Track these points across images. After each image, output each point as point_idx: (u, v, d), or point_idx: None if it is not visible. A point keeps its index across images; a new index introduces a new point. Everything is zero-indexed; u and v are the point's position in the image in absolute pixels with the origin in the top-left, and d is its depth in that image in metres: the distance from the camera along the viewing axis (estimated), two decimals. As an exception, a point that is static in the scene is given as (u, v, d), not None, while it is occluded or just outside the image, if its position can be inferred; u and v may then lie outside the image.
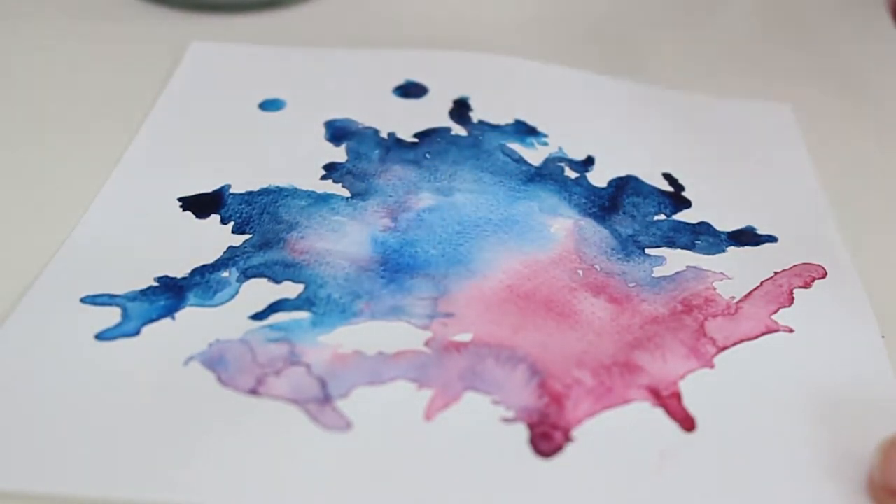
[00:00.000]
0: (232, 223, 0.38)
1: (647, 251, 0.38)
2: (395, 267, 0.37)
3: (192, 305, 0.35)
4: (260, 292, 0.35)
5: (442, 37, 0.52)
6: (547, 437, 0.31)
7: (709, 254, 0.38)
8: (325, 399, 0.32)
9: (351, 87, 0.47)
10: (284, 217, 0.39)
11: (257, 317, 0.34)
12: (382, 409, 0.32)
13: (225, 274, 0.36)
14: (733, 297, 0.36)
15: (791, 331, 0.35)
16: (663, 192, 0.42)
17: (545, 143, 0.44)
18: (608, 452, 0.31)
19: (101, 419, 0.31)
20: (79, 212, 0.39)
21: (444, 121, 0.45)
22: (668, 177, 0.42)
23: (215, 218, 0.39)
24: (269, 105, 0.46)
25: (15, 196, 0.40)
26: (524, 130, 0.45)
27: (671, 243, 0.39)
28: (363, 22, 0.53)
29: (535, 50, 0.51)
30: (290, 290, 0.35)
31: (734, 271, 0.38)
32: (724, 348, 0.35)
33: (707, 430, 0.32)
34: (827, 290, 0.37)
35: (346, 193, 0.40)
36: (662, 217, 0.40)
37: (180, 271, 0.36)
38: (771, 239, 0.40)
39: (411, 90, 0.47)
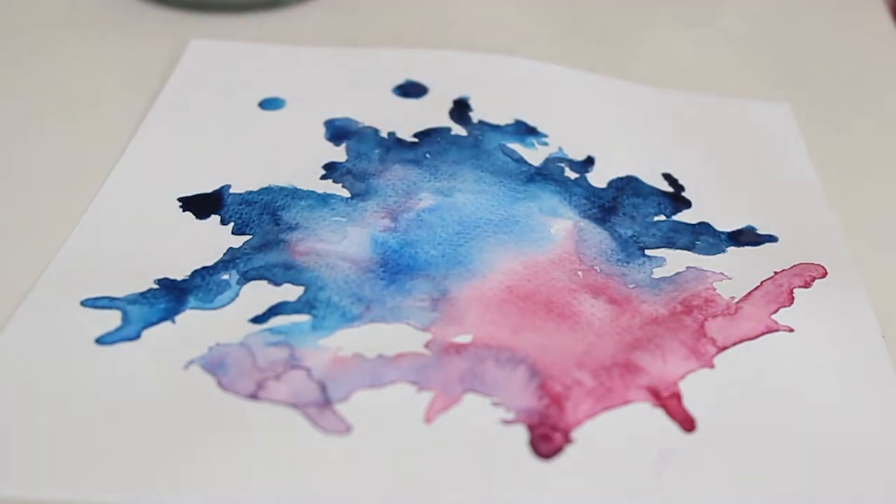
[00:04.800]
0: (232, 224, 0.38)
1: (647, 252, 0.38)
2: (394, 268, 0.37)
3: (192, 308, 0.35)
4: (260, 295, 0.35)
5: (442, 37, 0.52)
6: (547, 439, 0.31)
7: (709, 254, 0.38)
8: (325, 403, 0.32)
9: (351, 86, 0.47)
10: (284, 218, 0.39)
11: (257, 320, 0.34)
12: (382, 412, 0.32)
13: (225, 276, 0.36)
14: (733, 297, 0.36)
15: (791, 330, 0.35)
16: (663, 193, 0.42)
17: (545, 144, 0.44)
18: (608, 453, 0.31)
19: (102, 424, 0.31)
20: (78, 212, 0.39)
21: (444, 121, 0.45)
22: (668, 177, 0.42)
23: (215, 219, 0.39)
24: (269, 104, 0.46)
25: (14, 197, 0.40)
26: (524, 130, 0.45)
27: (671, 244, 0.39)
28: (363, 22, 0.53)
29: (535, 50, 0.51)
30: (291, 292, 0.35)
31: (734, 271, 0.38)
32: (725, 348, 0.35)
33: (707, 431, 0.32)
34: (827, 289, 0.37)
35: (346, 194, 0.40)
36: (662, 218, 0.40)
37: (180, 273, 0.36)
38: (771, 239, 0.40)
39: (411, 90, 0.47)
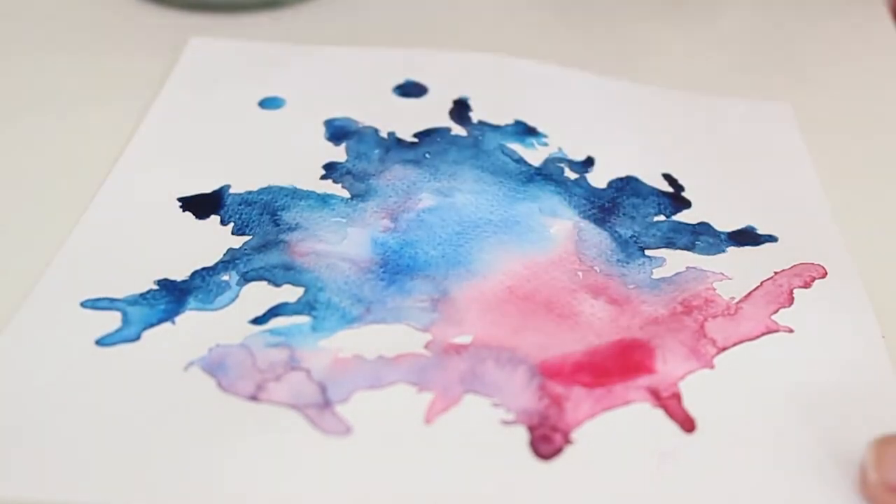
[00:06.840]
0: (232, 224, 0.38)
1: (647, 252, 0.38)
2: (394, 268, 0.37)
3: (192, 309, 0.35)
4: (260, 296, 0.35)
5: (442, 37, 0.52)
6: (547, 440, 0.31)
7: (709, 254, 0.38)
8: (325, 404, 0.32)
9: (351, 85, 0.47)
10: (284, 218, 0.39)
11: (257, 321, 0.34)
12: (382, 413, 0.32)
13: (225, 277, 0.36)
14: (733, 298, 0.36)
15: (791, 331, 0.35)
16: (663, 193, 0.42)
17: (545, 144, 0.44)
18: (608, 454, 0.31)
19: (102, 425, 0.31)
20: (78, 212, 0.39)
21: (444, 121, 0.45)
22: (667, 177, 0.42)
23: (215, 219, 0.39)
24: (269, 103, 0.46)
25: (14, 197, 0.40)
26: (524, 131, 0.45)
27: (671, 244, 0.39)
28: (363, 21, 0.53)
29: (535, 50, 0.51)
30: (291, 293, 0.35)
31: (734, 271, 0.38)
32: (724, 349, 0.35)
33: (707, 431, 0.32)
34: (827, 290, 0.37)
35: (346, 194, 0.40)
36: (662, 218, 0.40)
37: (180, 273, 0.36)
38: (771, 239, 0.39)
39: (411, 90, 0.47)
